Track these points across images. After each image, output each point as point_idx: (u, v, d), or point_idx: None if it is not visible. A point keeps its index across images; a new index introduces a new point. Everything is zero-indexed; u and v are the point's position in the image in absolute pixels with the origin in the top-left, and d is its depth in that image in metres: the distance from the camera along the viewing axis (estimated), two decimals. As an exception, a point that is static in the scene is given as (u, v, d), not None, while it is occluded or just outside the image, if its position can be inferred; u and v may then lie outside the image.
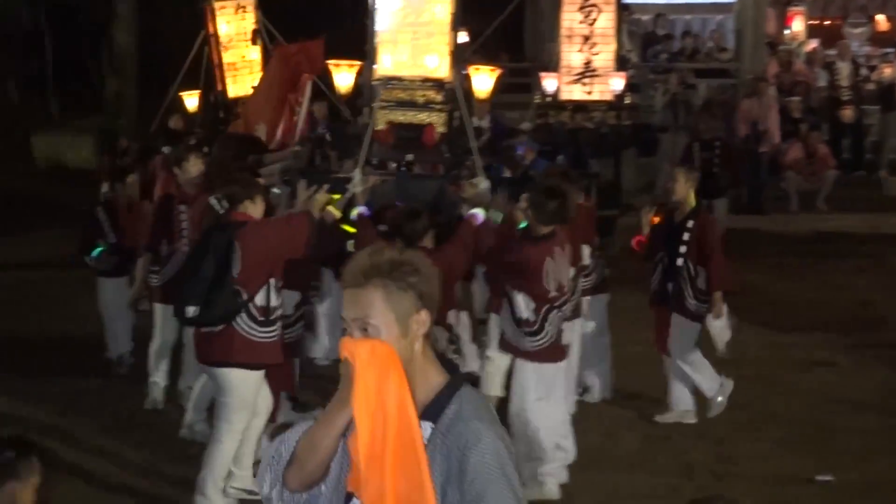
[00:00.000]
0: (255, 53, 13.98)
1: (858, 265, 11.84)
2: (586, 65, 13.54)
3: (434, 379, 2.69)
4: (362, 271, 2.62)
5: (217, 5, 13.94)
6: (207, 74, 13.93)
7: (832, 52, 17.28)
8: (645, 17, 19.40)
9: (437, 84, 8.02)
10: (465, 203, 6.70)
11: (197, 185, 7.17)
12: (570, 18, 13.50)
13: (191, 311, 5.70)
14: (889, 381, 8.27)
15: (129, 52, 18.62)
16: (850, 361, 8.68)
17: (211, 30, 13.89)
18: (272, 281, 5.76)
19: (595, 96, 13.48)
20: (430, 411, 2.64)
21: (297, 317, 6.86)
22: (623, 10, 14.24)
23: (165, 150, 11.70)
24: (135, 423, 7.37)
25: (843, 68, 15.56)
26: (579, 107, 13.16)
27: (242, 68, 14.03)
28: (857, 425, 7.36)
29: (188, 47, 13.93)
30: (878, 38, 20.29)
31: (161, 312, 7.51)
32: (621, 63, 13.71)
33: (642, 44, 17.96)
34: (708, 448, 6.83)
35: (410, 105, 8.02)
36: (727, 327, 7.14)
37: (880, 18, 20.90)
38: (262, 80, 12.33)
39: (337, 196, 6.67)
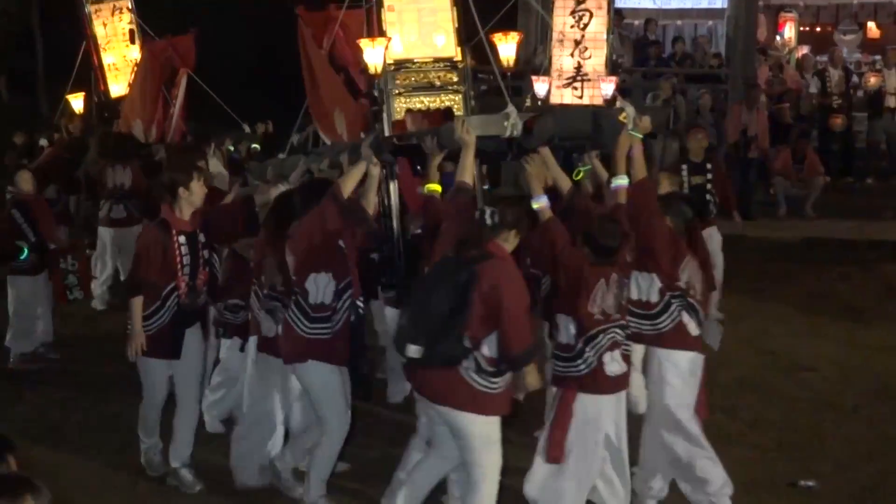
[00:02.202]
0: (134, 52, 14.36)
1: (845, 271, 11.86)
2: (577, 69, 13.56)
3: None
4: None
5: (93, 8, 14.44)
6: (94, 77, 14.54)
7: (823, 58, 17.34)
8: (636, 22, 19.46)
9: (450, 64, 7.76)
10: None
11: (197, 211, 6.27)
12: (562, 22, 13.53)
13: (413, 350, 5.06)
14: (874, 388, 8.29)
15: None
16: (836, 367, 8.70)
17: (89, 32, 14.32)
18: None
19: (586, 100, 13.49)
20: None
21: None
22: (615, 15, 14.25)
23: (43, 142, 12.10)
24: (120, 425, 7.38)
25: (835, 75, 15.60)
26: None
27: (124, 68, 14.43)
28: (841, 431, 7.38)
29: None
30: (868, 45, 20.38)
31: (152, 369, 6.31)
32: (612, 67, 13.73)
33: (633, 49, 18.00)
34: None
35: (427, 88, 7.69)
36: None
37: (871, 25, 20.99)
38: (135, 77, 12.71)
39: (436, 186, 6.08)
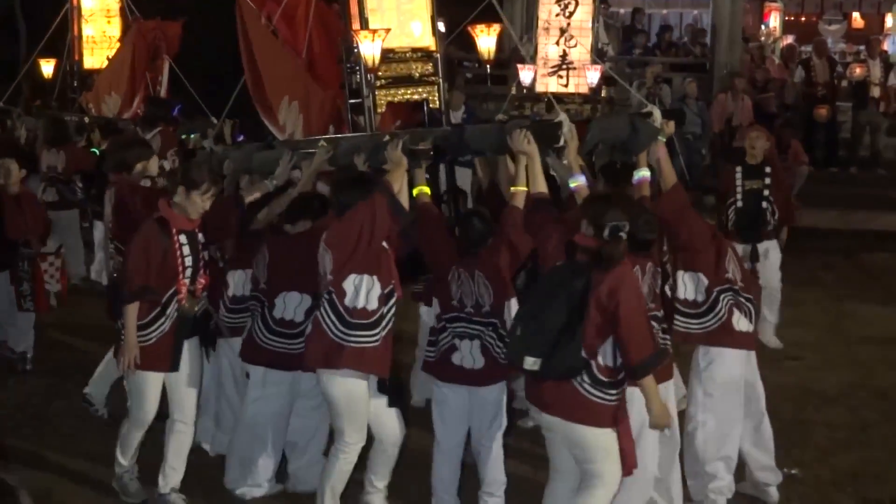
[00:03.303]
0: (114, 29, 14.31)
1: (828, 261, 11.92)
2: (562, 57, 13.55)
3: None
4: None
5: None
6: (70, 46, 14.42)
7: (807, 48, 17.40)
8: (622, 11, 19.49)
9: (426, 54, 7.56)
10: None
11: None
12: (548, 10, 13.52)
13: (529, 361, 4.74)
14: (856, 376, 8.35)
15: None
16: (818, 356, 8.75)
17: (75, 2, 14.28)
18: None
19: (571, 89, 13.50)
20: None
21: None
22: (600, 4, 14.25)
23: None
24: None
25: (819, 65, 15.65)
26: (555, 99, 13.17)
27: (101, 42, 14.43)
28: (824, 419, 7.44)
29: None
30: (853, 36, 20.50)
31: (148, 384, 5.70)
32: (597, 56, 13.73)
33: (619, 37, 18.02)
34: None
35: (407, 80, 7.46)
36: None
37: (856, 16, 21.10)
38: (118, 51, 12.67)
39: (426, 189, 5.88)
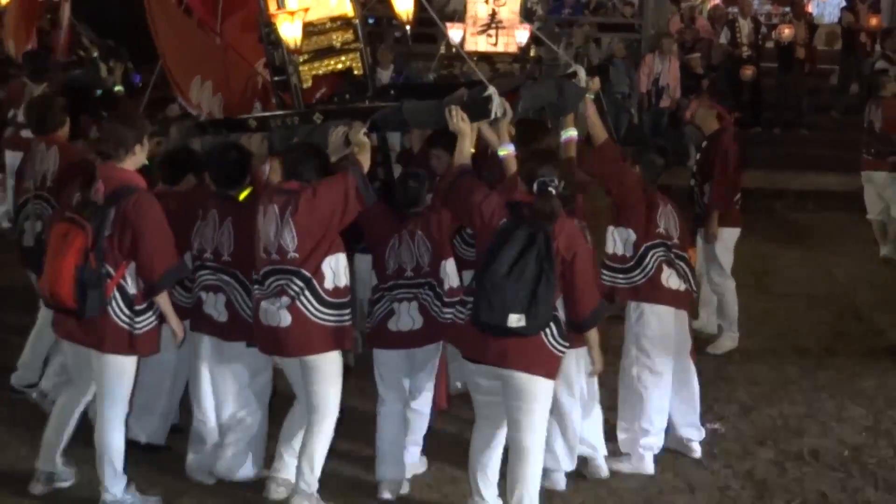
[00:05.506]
0: None
1: (751, 219, 12.05)
2: (492, 16, 13.49)
3: None
4: None
5: None
6: None
7: (734, 9, 17.52)
8: (552, -30, 19.43)
9: (345, 22, 7.43)
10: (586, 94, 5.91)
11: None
12: (477, -31, 13.43)
13: (514, 319, 4.74)
14: (778, 333, 8.53)
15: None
16: (742, 313, 8.79)
17: None
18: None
19: (500, 48, 13.46)
20: None
21: None
22: (530, -38, 14.20)
23: None
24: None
25: (744, 26, 15.75)
26: (484, 58, 13.12)
27: None
28: (745, 376, 7.59)
29: None
30: (778, -3, 20.64)
31: (130, 368, 5.29)
32: (527, 15, 13.69)
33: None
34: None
35: (329, 52, 7.33)
36: None
37: (781, -23, 21.25)
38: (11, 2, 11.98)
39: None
